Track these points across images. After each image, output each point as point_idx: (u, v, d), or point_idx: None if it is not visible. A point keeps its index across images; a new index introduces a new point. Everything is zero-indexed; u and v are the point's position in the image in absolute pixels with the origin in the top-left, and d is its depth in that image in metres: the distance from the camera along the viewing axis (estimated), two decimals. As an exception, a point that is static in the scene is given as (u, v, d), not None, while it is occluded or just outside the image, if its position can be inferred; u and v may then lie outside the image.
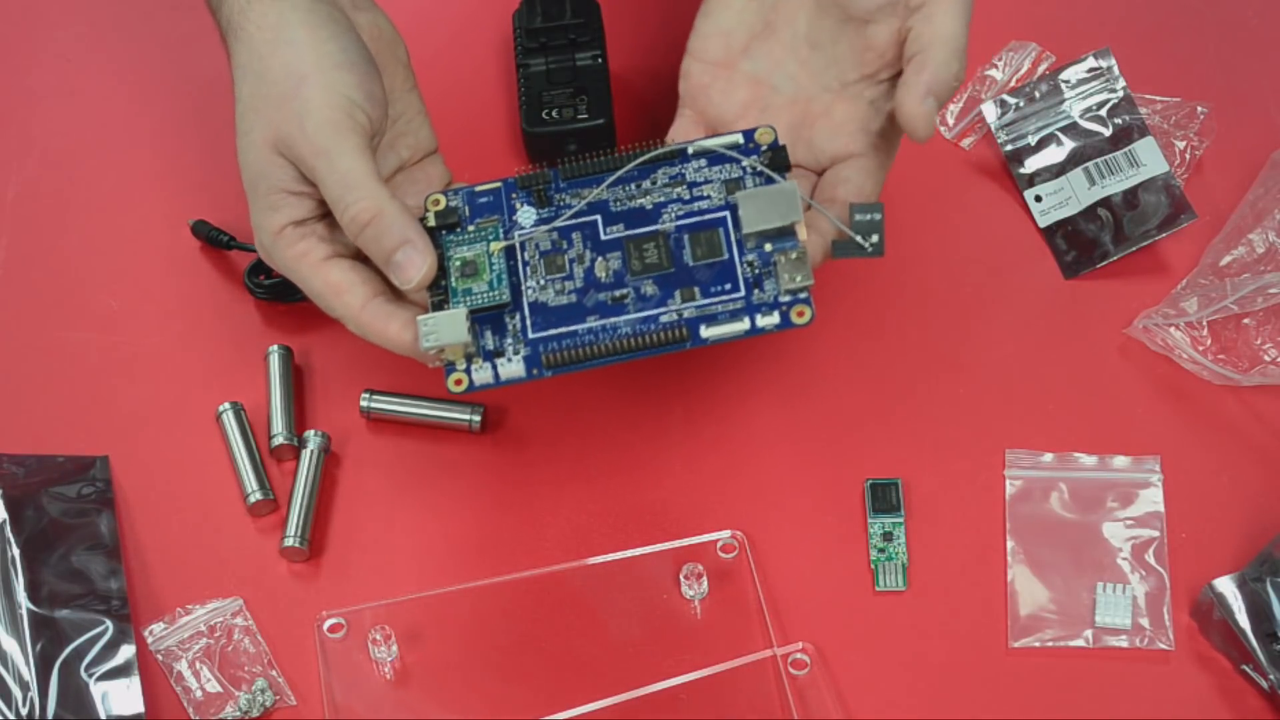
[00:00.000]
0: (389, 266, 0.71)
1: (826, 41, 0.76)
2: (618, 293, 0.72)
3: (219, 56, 0.76)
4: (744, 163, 0.74)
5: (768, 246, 0.72)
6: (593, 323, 0.71)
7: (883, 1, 0.73)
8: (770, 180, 0.73)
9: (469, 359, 0.71)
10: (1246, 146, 0.89)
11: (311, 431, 0.82)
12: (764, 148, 0.74)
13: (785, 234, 0.71)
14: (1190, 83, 0.91)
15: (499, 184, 0.75)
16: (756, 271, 0.71)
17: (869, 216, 0.71)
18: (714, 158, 0.75)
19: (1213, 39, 0.93)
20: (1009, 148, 0.89)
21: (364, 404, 0.83)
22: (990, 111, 0.90)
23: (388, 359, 0.74)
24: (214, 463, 0.82)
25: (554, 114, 0.87)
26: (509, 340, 0.71)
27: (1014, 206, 0.89)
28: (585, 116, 0.87)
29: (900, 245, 0.86)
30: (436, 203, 0.75)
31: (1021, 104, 0.89)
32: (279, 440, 0.82)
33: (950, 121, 0.91)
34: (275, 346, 0.84)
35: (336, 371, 0.85)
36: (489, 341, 0.72)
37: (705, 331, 0.71)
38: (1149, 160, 0.87)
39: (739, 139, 0.75)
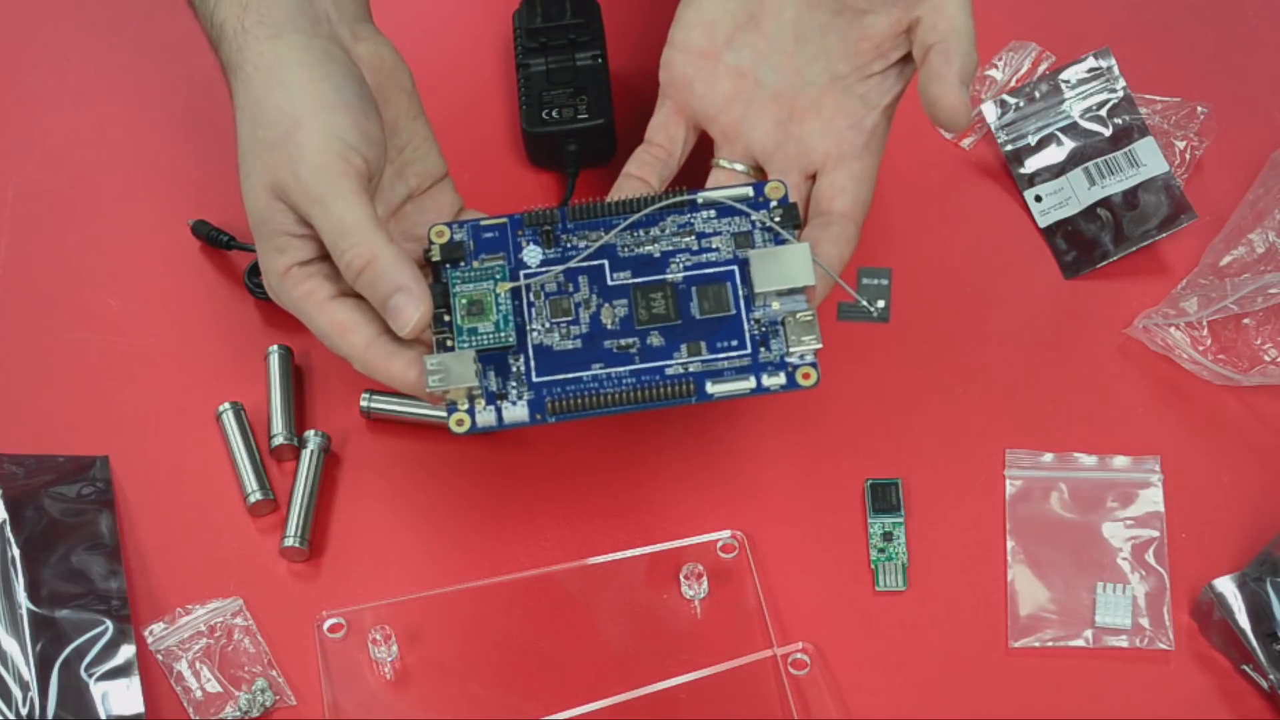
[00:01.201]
0: (384, 312, 0.70)
1: (815, 34, 0.76)
2: (623, 341, 0.71)
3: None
4: (754, 217, 0.73)
5: (775, 304, 0.71)
6: (597, 370, 0.71)
7: None
8: (781, 239, 0.73)
9: (471, 399, 0.71)
10: (1246, 146, 0.89)
11: (311, 431, 0.82)
12: (774, 203, 0.73)
13: (795, 294, 0.71)
14: (1190, 83, 0.91)
15: (504, 220, 0.74)
16: (763, 329, 0.71)
17: (876, 281, 0.71)
18: (723, 209, 0.74)
19: (1213, 39, 0.93)
20: (1009, 148, 0.89)
21: (364, 404, 0.83)
22: (990, 111, 0.89)
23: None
24: (214, 463, 0.82)
25: (554, 114, 0.87)
26: (512, 383, 0.71)
27: (1014, 206, 0.89)
28: (585, 116, 0.87)
29: (900, 245, 0.86)
30: (441, 234, 0.74)
31: (1021, 104, 0.89)
32: (279, 440, 0.82)
33: (950, 121, 0.91)
34: (275, 346, 0.84)
35: (336, 371, 0.85)
36: (492, 383, 0.71)
37: (711, 388, 0.70)
38: (1149, 160, 0.87)
39: (749, 192, 0.74)
